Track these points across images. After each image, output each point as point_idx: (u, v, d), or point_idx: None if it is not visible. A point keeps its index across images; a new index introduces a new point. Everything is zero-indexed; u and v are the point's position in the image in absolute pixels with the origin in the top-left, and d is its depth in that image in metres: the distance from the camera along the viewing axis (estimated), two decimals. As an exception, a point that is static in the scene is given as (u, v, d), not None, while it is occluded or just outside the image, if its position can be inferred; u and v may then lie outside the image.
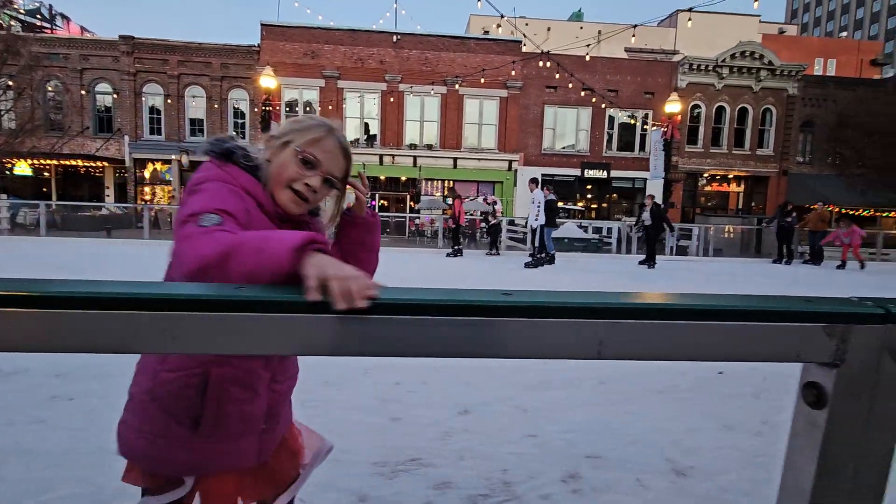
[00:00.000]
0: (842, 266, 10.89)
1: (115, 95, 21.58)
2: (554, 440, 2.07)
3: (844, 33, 65.53)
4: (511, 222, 14.67)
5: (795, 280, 8.58)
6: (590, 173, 25.13)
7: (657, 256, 9.96)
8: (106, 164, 22.03)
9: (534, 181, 9.54)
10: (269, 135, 1.01)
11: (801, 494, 0.55)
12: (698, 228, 13.03)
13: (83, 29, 30.44)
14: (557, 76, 19.34)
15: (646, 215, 10.35)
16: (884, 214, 22.49)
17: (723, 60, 24.20)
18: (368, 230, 1.06)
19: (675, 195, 25.37)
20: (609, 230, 13.09)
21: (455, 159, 23.51)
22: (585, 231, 14.08)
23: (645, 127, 23.99)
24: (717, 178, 26.08)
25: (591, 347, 0.49)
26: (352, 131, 22.69)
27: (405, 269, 7.58)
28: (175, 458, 0.89)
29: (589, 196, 26.14)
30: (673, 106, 14.55)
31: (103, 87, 21.93)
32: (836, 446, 0.52)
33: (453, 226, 11.15)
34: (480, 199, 22.11)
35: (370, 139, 22.65)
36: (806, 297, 0.54)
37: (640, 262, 10.21)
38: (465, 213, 20.42)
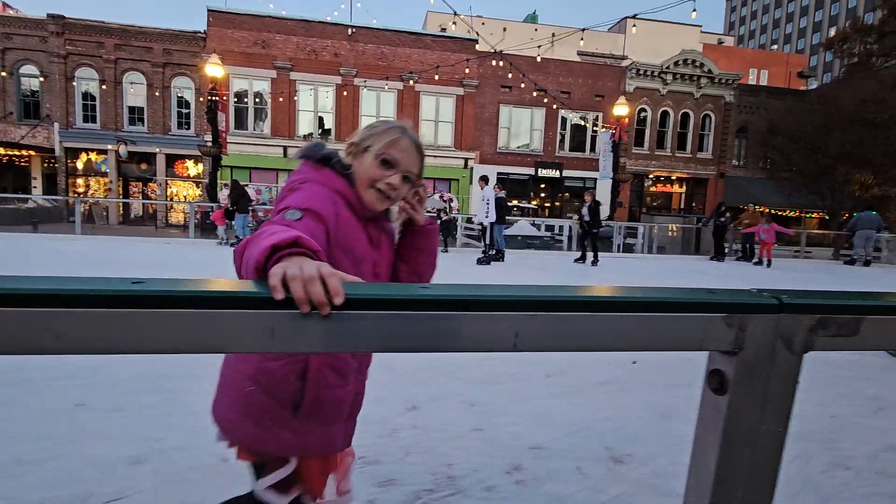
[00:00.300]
0: (759, 263, 11.48)
1: (42, 79, 19.90)
2: (500, 433, 2.10)
3: (775, 46, 70.58)
4: (468, 220, 14.80)
5: (727, 274, 9.19)
6: (543, 172, 25.74)
7: (600, 254, 10.13)
8: (33, 153, 20.30)
9: (484, 178, 9.61)
10: (350, 142, 1.12)
11: (707, 475, 0.59)
12: (643, 227, 13.66)
13: (5, 5, 27.84)
14: (511, 76, 19.65)
15: (584, 211, 10.35)
16: (807, 215, 24.49)
17: (667, 67, 25.43)
18: (426, 236, 1.19)
19: (623, 195, 26.45)
20: (561, 228, 13.47)
21: (413, 156, 23.42)
22: (538, 229, 14.41)
23: (595, 128, 24.84)
24: (662, 179, 27.42)
25: (508, 340, 0.50)
26: (305, 125, 22.09)
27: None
28: (281, 439, 0.98)
29: (542, 195, 26.79)
30: (621, 109, 15.14)
31: (29, 69, 20.16)
32: (736, 429, 0.56)
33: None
34: (437, 196, 22.18)
35: (325, 133, 22.13)
36: (709, 289, 0.57)
37: (576, 260, 10.25)
38: (433, 209, 20.42)
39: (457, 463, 1.79)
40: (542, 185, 26.59)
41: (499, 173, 25.26)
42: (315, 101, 22.26)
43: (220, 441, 1.01)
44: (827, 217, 19.32)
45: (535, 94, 24.59)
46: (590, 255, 10.05)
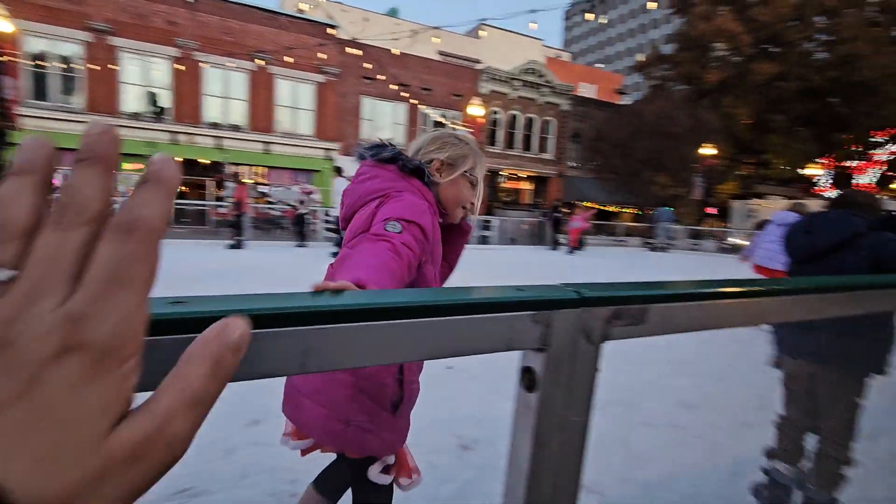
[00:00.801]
0: (570, 251, 12.50)
1: None
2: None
3: (601, 65, 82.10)
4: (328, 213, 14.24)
5: (560, 262, 10.44)
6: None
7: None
8: None
9: (337, 170, 9.16)
10: (442, 161, 1.19)
11: (521, 472, 0.59)
12: (498, 220, 14.76)
13: None
14: (371, 66, 19.41)
15: None
16: (624, 210, 29.15)
17: (515, 74, 27.78)
18: (466, 234, 1.32)
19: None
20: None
21: (267, 143, 21.72)
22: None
23: (454, 126, 25.98)
24: (513, 176, 30.01)
25: (295, 359, 0.42)
26: (131, 101, 18.89)
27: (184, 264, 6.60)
28: (385, 439, 1.09)
29: (412, 190, 27.14)
30: (476, 109, 16.04)
31: None
32: (545, 424, 0.56)
33: (235, 214, 9.98)
34: (296, 188, 20.94)
35: (159, 113, 19.19)
36: (518, 286, 0.57)
37: None
38: (280, 202, 19.09)
39: (300, 478, 1.67)
40: None
41: (363, 166, 24.93)
42: (145, 75, 19.18)
43: (319, 449, 1.20)
44: (638, 212, 23.21)
45: (397, 88, 24.77)
46: None
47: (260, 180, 21.72)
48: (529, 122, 29.65)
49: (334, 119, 23.52)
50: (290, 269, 7.29)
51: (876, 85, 19.15)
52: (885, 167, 20.30)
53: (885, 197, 21.26)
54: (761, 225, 5.87)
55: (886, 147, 19.96)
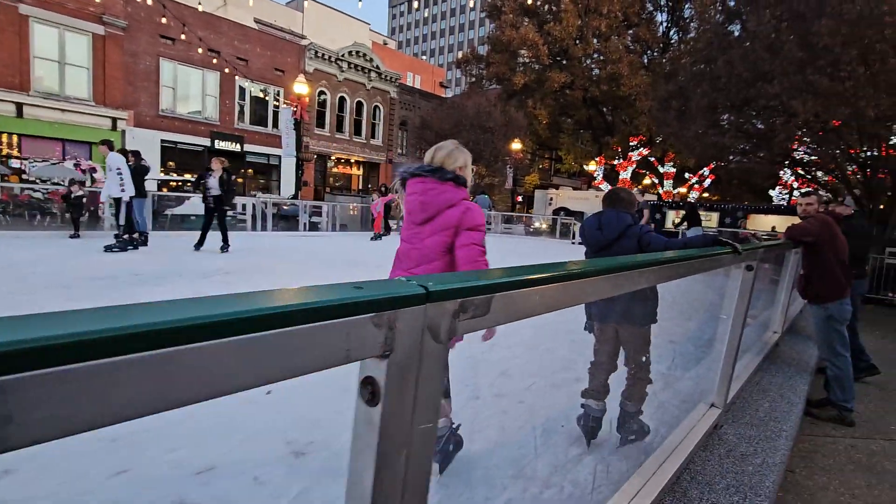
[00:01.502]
0: (377, 238, 11.74)
1: None
2: (155, 468, 1.67)
3: (425, 57, 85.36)
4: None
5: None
6: (221, 145, 23.25)
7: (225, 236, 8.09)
8: None
9: (106, 143, 7.26)
10: (461, 167, 1.88)
11: (363, 496, 0.51)
12: (327, 206, 14.23)
13: None
14: (170, 23, 16.55)
15: (213, 182, 7.85)
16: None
17: (342, 55, 26.92)
18: None
19: (308, 174, 26.87)
20: (244, 206, 12.44)
21: (19, 105, 16.79)
22: (216, 207, 12.87)
23: (277, 103, 24.02)
24: (343, 161, 29.28)
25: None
26: None
27: None
28: None
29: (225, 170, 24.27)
30: (301, 87, 15.06)
31: None
32: (390, 441, 0.49)
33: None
34: (70, 163, 16.72)
35: None
36: (356, 283, 0.48)
37: (196, 246, 7.77)
38: (47, 180, 15.02)
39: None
40: (236, 160, 24.12)
41: (165, 141, 21.28)
42: None
43: None
44: (462, 199, 25.03)
45: (207, 54, 21.69)
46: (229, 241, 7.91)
47: (10, 152, 16.75)
48: (359, 107, 29.20)
49: (121, 81, 19.43)
50: (52, 265, 5.81)
51: (632, 100, 24.17)
52: (634, 165, 25.91)
53: (638, 188, 27.38)
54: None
55: (638, 150, 25.46)
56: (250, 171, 25.66)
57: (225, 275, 5.97)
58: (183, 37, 19.05)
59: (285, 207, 13.26)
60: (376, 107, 30.00)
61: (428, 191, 1.78)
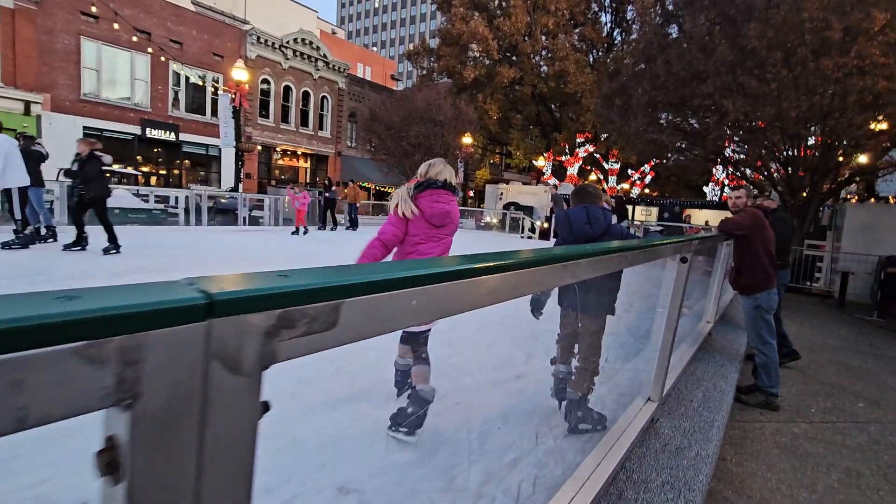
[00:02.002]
0: (296, 232, 11.02)
1: None
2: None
3: (375, 48, 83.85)
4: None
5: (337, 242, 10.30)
6: (153, 133, 21.75)
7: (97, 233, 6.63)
8: None
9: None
10: (447, 178, 2.47)
11: None
12: (269, 199, 13.57)
13: None
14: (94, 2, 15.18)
15: (74, 166, 6.41)
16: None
17: (287, 42, 25.81)
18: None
19: (251, 166, 25.63)
20: (177, 199, 11.59)
21: None
22: (146, 200, 11.95)
23: (215, 90, 22.70)
24: (289, 153, 28.17)
25: None
26: None
27: None
28: None
29: (159, 160, 22.82)
30: (240, 73, 14.24)
31: None
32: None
33: None
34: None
35: None
36: (61, 292, 0.29)
37: (65, 247, 6.45)
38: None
39: None
40: (158, 149, 22.58)
41: (88, 128, 19.57)
42: None
43: None
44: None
45: (135, 34, 20.14)
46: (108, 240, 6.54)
47: None
48: (305, 96, 28.15)
49: (35, 61, 17.64)
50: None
51: (578, 97, 24.79)
52: (581, 161, 26.68)
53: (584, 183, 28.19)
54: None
55: (584, 146, 26.22)
56: (187, 161, 24.17)
57: (147, 273, 5.46)
58: (107, 16, 17.46)
59: (223, 201, 12.49)
60: (324, 97, 29.04)
61: (451, 202, 2.38)
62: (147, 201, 11.88)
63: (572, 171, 27.11)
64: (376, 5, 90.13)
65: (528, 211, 20.56)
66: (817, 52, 7.54)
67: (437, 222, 2.31)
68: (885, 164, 12.33)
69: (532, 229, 17.37)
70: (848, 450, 3.09)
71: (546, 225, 15.91)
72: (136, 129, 21.26)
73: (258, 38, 24.75)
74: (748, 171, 12.61)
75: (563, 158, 26.64)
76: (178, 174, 23.34)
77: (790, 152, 10.61)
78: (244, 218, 11.69)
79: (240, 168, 15.09)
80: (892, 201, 14.66)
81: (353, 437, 2.03)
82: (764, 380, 3.70)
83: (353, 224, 14.00)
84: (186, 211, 10.84)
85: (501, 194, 27.38)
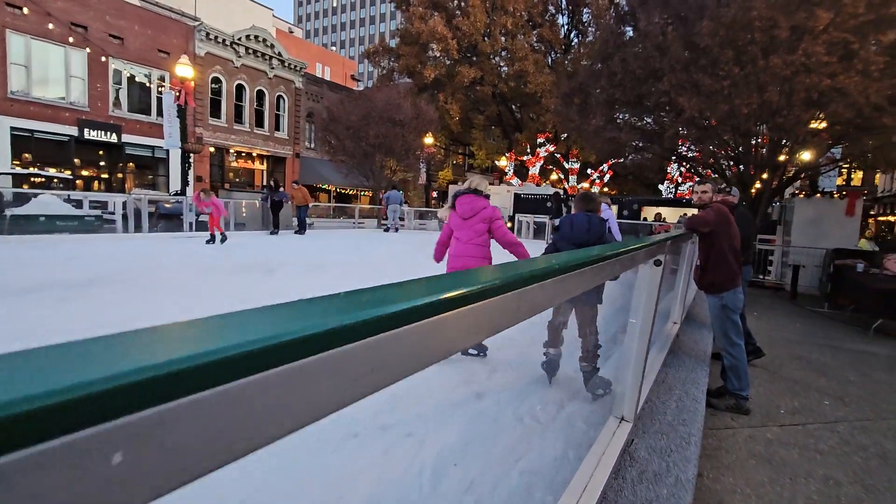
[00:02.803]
0: (211, 240, 9.88)
1: None
2: None
3: (335, 48, 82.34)
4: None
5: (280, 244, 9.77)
6: (92, 134, 20.29)
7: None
8: None
9: None
10: (482, 187, 3.48)
11: None
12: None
13: None
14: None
15: None
16: (362, 193, 30.08)
17: (239, 39, 24.73)
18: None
19: (202, 169, 24.38)
20: (113, 205, 10.67)
21: None
22: (80, 206, 10.98)
23: (162, 89, 21.44)
24: (243, 154, 27.00)
25: None
26: None
27: None
28: None
29: (101, 163, 21.39)
30: (184, 69, 13.39)
31: None
32: None
33: None
34: None
35: None
36: None
37: None
38: None
39: None
40: (99, 152, 21.16)
41: (15, 128, 18.07)
42: None
43: None
44: (371, 194, 24.23)
45: (70, 28, 18.80)
46: None
47: None
48: (260, 96, 27.07)
49: (-49, 56, 16.07)
50: None
51: (538, 97, 24.97)
52: (542, 161, 26.92)
53: (545, 183, 28.46)
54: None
55: (545, 146, 26.46)
56: (131, 165, 22.74)
57: (67, 290, 4.85)
58: (34, 7, 16.08)
59: (167, 206, 11.62)
60: (280, 97, 28.02)
61: (472, 201, 3.32)
62: (80, 207, 10.93)
63: (534, 170, 27.29)
64: (334, 4, 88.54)
65: (492, 211, 20.47)
66: (766, 51, 7.68)
67: (465, 215, 3.37)
68: (827, 161, 12.89)
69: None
70: (821, 455, 2.97)
71: (510, 225, 15.80)
72: (73, 130, 19.79)
73: (207, 34, 23.60)
74: (701, 169, 12.90)
75: (525, 158, 26.79)
76: (122, 178, 21.91)
77: (741, 150, 10.88)
78: (190, 223, 10.90)
79: (187, 170, 14.20)
80: (835, 196, 15.40)
81: None
82: (733, 382, 3.56)
83: (301, 227, 13.07)
84: (126, 217, 9.99)
85: None
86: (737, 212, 3.94)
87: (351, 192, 30.49)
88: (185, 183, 14.01)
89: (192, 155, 14.45)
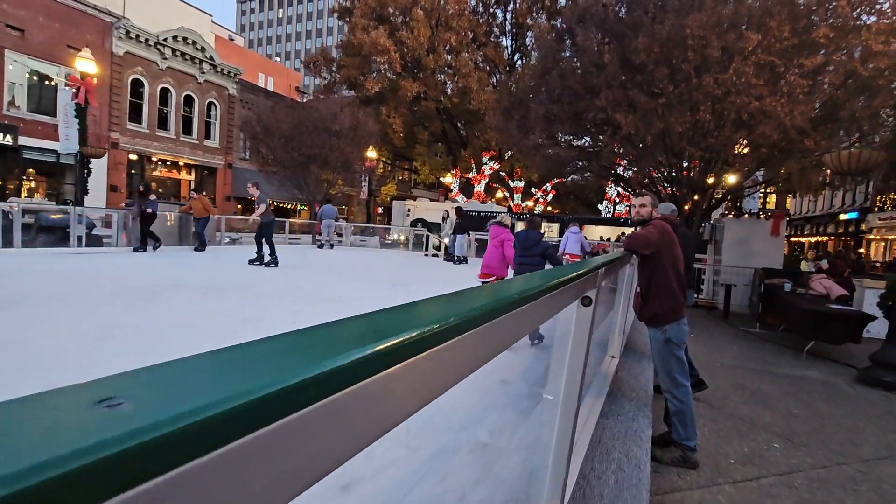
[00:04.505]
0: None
1: None
2: None
3: (279, 58, 79.99)
4: None
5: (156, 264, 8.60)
6: (-20, 135, 17.84)
7: None
8: None
9: None
10: (503, 222, 5.43)
11: None
12: (117, 214, 11.27)
13: None
14: None
15: None
16: (302, 207, 28.58)
17: (164, 39, 22.94)
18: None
19: (118, 177, 22.12)
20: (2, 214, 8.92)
21: None
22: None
23: (66, 86, 19.27)
24: (168, 163, 24.88)
25: None
26: None
27: None
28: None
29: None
30: (85, 64, 11.85)
31: None
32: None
33: None
34: None
35: None
36: None
37: None
38: None
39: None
40: (7, 156, 18.67)
41: None
42: None
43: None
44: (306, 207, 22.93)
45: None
46: None
47: None
48: (189, 101, 25.16)
49: None
50: None
51: (482, 115, 24.94)
52: (487, 179, 26.85)
53: (490, 201, 28.41)
54: (562, 232, 10.14)
55: (490, 164, 26.41)
56: (31, 170, 20.21)
57: None
58: None
59: (53, 217, 9.97)
60: (211, 103, 26.23)
61: (495, 228, 5.17)
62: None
63: (479, 188, 27.13)
64: (280, 15, 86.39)
65: (436, 227, 19.88)
66: (699, 69, 7.65)
67: (491, 237, 5.16)
68: (752, 184, 13.40)
69: (437, 247, 16.65)
70: (784, 524, 2.45)
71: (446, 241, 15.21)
72: (-46, 130, 17.30)
73: (127, 32, 21.67)
74: (637, 190, 13.00)
75: (470, 175, 26.59)
76: (16, 185, 19.35)
77: (674, 172, 10.98)
78: (79, 237, 9.38)
79: (85, 177, 12.50)
80: (761, 217, 16.12)
81: None
82: (679, 431, 3.02)
83: (201, 244, 11.15)
84: (4, 230, 8.38)
85: (409, 211, 26.56)
86: (679, 230, 3.46)
87: (290, 207, 28.94)
88: (83, 192, 12.30)
89: (89, 159, 12.76)
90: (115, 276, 6.62)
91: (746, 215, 15.82)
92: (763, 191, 17.68)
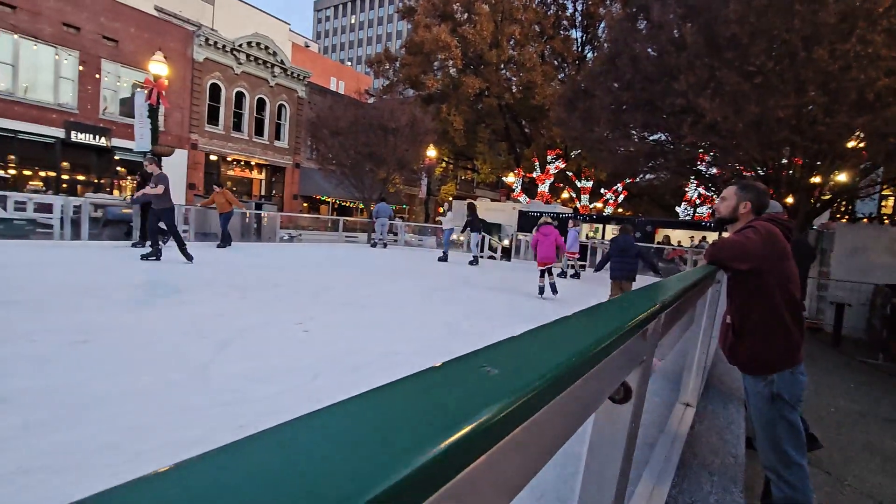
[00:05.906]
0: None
1: None
2: None
3: (350, 63, 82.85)
4: None
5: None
6: (80, 137, 19.59)
7: None
8: None
9: None
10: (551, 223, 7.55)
11: None
12: (190, 210, 11.64)
13: None
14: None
15: None
16: (360, 206, 28.87)
17: (240, 45, 24.08)
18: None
19: (195, 176, 23.50)
20: (51, 208, 9.47)
21: None
22: (27, 208, 9.91)
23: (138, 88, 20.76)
24: (241, 163, 26.14)
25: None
26: None
27: None
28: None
29: (88, 167, 20.74)
30: (158, 67, 12.41)
31: None
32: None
33: None
34: None
35: None
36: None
37: None
38: None
39: None
40: (89, 155, 20.50)
41: (-4, 129, 17.42)
42: None
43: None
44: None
45: (62, 28, 18.29)
46: None
47: None
48: (261, 104, 26.31)
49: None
50: None
51: (546, 110, 23.68)
52: (552, 178, 25.48)
53: (556, 201, 26.96)
54: (564, 231, 10.02)
55: (555, 163, 25.05)
56: (122, 169, 21.95)
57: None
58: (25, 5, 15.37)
59: (124, 211, 10.45)
60: (282, 106, 27.25)
61: (553, 231, 7.03)
62: (27, 209, 9.84)
63: (543, 188, 25.89)
64: (352, 21, 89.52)
65: (496, 228, 19.00)
66: (809, 40, 6.22)
67: (543, 235, 6.94)
68: (870, 183, 11.24)
69: (496, 249, 15.79)
70: None
71: (507, 243, 14.30)
72: (60, 132, 19.09)
73: (207, 39, 22.96)
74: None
75: (534, 175, 25.40)
76: (109, 182, 21.12)
77: (765, 169, 9.33)
78: (140, 231, 9.70)
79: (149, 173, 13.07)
80: (885, 222, 13.62)
81: None
82: (790, 532, 2.05)
83: (225, 240, 10.49)
84: (62, 221, 8.84)
85: (445, 211, 25.90)
86: (793, 237, 2.43)
87: (351, 205, 29.38)
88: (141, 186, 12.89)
89: (160, 157, 13.35)
90: (124, 275, 6.53)
91: (865, 220, 13.36)
92: (882, 192, 14.93)
